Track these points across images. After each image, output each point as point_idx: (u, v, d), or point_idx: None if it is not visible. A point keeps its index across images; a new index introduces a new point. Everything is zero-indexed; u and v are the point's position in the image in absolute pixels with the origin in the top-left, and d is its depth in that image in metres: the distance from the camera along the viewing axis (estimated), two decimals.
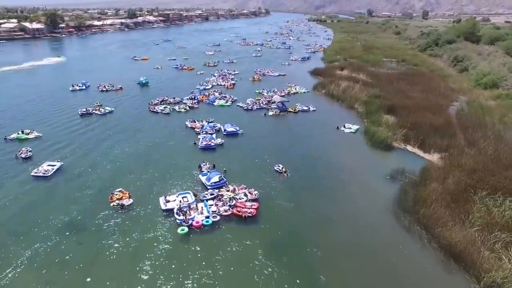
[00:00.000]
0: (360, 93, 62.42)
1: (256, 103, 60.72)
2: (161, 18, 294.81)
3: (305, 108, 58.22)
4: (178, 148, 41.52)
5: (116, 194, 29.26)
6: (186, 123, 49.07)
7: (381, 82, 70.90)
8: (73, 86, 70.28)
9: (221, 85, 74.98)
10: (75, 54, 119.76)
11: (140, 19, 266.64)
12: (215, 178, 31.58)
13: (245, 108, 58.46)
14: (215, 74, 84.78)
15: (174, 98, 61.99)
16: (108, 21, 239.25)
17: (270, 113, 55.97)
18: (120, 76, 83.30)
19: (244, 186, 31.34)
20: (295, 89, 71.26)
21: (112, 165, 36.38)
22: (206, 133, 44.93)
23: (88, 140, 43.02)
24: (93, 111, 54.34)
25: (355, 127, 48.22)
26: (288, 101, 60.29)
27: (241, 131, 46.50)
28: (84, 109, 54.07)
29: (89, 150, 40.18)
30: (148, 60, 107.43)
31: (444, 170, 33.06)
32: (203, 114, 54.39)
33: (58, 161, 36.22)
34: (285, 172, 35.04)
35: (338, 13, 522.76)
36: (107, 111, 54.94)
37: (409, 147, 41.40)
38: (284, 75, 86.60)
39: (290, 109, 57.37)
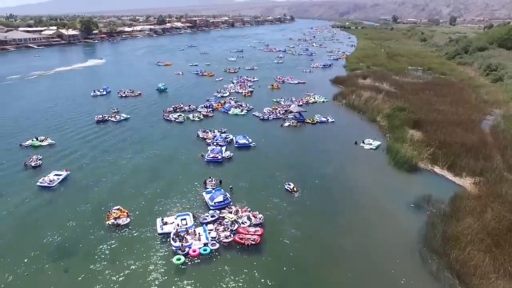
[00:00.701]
0: (383, 104, 58.41)
1: (272, 112, 58.46)
2: (188, 24, 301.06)
3: (324, 119, 55.15)
4: (186, 160, 39.83)
5: (114, 213, 27.67)
6: (199, 133, 47.54)
7: (405, 93, 66.39)
8: (94, 92, 71.31)
9: (238, 92, 73.40)
10: (106, 59, 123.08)
11: (168, 25, 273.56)
12: (219, 198, 29.38)
13: (260, 117, 56.28)
14: (234, 81, 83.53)
15: (189, 105, 60.94)
16: (138, 27, 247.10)
17: (286, 123, 53.38)
18: (142, 81, 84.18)
19: (249, 209, 28.91)
20: (314, 98, 68.34)
21: (117, 178, 35.21)
22: (217, 144, 43.18)
23: (98, 150, 42.32)
24: (109, 118, 54.27)
25: (376, 143, 44.50)
26: (306, 111, 57.41)
27: (254, 143, 44.27)
28: (100, 116, 54.14)
29: (97, 160, 39.41)
30: (171, 66, 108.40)
31: (480, 201, 28.45)
32: (217, 123, 52.83)
33: (65, 170, 35.66)
34: (296, 191, 32.42)
35: (362, 20, 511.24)
36: (122, 118, 54.69)
37: (436, 169, 36.98)
38: (303, 82, 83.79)
39: (307, 120, 54.55)
